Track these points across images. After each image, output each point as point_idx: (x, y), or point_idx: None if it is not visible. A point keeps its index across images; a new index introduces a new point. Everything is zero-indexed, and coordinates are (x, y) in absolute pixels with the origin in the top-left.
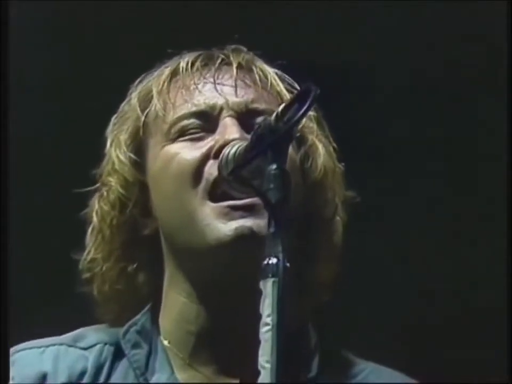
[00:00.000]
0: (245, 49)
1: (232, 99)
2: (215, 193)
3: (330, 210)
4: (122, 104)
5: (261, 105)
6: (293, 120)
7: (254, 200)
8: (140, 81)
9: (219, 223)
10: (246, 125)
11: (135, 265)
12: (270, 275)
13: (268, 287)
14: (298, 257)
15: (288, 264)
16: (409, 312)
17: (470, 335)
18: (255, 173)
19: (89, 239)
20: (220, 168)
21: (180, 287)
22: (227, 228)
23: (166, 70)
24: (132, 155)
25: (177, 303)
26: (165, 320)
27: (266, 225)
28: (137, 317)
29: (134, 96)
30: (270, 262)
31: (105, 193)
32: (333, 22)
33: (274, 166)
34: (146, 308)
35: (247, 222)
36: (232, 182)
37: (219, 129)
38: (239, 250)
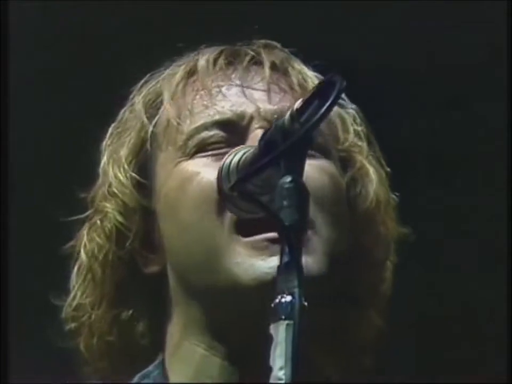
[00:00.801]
0: (278, 45)
1: (265, 106)
2: (246, 224)
3: (381, 250)
4: (122, 111)
5: None
6: (312, 121)
7: None
8: (145, 82)
9: (257, 260)
10: None
11: (130, 312)
12: (283, 317)
13: (280, 332)
14: (337, 305)
15: (305, 303)
16: (408, 312)
17: (470, 335)
18: (264, 187)
19: (75, 280)
20: (219, 181)
21: (197, 338)
22: (267, 264)
23: (179, 69)
24: (135, 175)
25: (194, 356)
26: (177, 375)
27: (311, 260)
28: (149, 368)
29: (138, 101)
30: (283, 300)
31: (98, 222)
32: (333, 22)
33: (288, 179)
34: (158, 360)
35: None
36: (235, 198)
37: (249, 144)
38: None
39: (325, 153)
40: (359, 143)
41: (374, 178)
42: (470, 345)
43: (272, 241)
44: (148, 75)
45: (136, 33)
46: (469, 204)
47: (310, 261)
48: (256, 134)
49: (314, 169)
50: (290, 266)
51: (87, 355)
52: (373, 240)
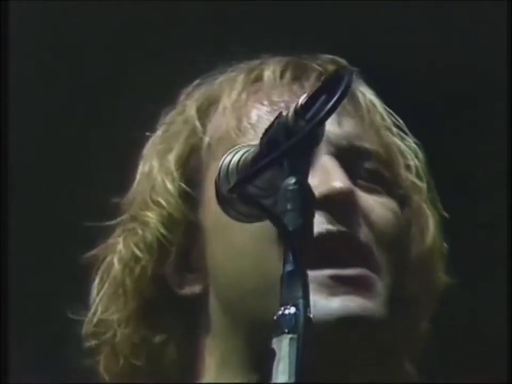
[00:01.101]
0: (344, 61)
1: (334, 130)
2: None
3: (429, 299)
4: (172, 113)
5: (369, 145)
6: (318, 118)
7: (362, 271)
8: (197, 86)
9: (320, 299)
10: (348, 169)
11: (165, 336)
12: (286, 330)
13: (283, 347)
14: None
15: (311, 315)
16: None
17: (470, 335)
18: (266, 190)
19: (99, 293)
20: (217, 183)
21: (234, 373)
22: (330, 305)
23: (239, 76)
24: (183, 184)
25: None
26: None
27: (374, 307)
28: None
29: (190, 105)
30: (286, 312)
31: (140, 232)
32: (333, 22)
33: (292, 181)
34: None
35: (353, 301)
36: (234, 201)
37: (317, 171)
38: (342, 335)
39: (388, 190)
40: (420, 184)
41: (431, 223)
42: (470, 345)
43: (337, 279)
44: (199, 79)
45: (136, 33)
46: (469, 204)
47: (370, 305)
48: (324, 161)
49: (379, 205)
50: (294, 275)
51: (108, 378)
52: (424, 286)
